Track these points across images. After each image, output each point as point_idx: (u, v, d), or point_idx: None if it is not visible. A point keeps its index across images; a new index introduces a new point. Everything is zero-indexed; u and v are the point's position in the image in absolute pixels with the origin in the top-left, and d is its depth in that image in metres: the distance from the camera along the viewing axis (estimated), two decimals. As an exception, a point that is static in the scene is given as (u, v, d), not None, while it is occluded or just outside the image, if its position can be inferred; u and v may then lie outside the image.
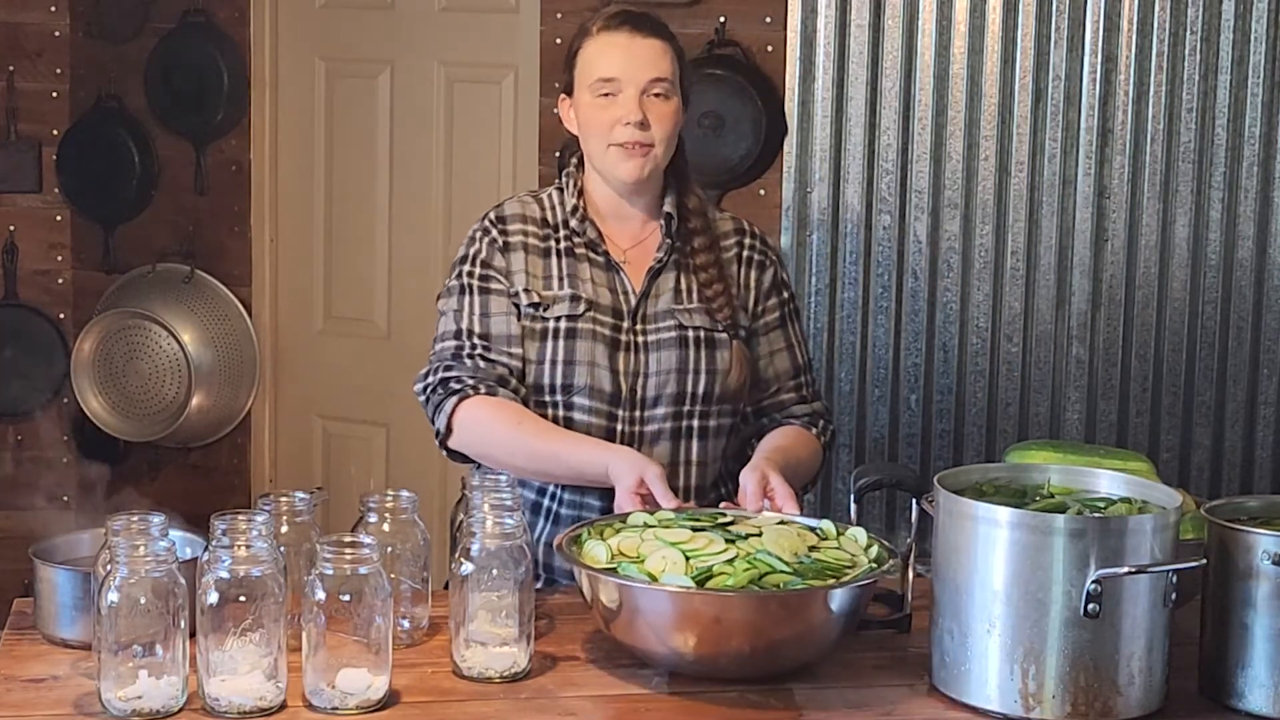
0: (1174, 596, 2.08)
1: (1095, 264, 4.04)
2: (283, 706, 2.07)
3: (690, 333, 2.69)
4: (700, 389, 2.69)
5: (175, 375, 4.50)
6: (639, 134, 2.62)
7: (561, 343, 2.65)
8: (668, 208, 2.72)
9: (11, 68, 4.58)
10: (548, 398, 2.67)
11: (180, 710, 2.05)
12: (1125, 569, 2.03)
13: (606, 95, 2.63)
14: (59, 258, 4.69)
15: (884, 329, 4.10)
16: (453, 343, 2.68)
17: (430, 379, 2.67)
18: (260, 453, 4.70)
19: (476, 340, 2.67)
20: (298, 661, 2.10)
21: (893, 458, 4.14)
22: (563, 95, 2.73)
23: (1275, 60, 3.97)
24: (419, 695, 2.14)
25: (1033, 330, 4.08)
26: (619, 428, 2.67)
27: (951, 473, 2.26)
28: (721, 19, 4.08)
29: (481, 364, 2.65)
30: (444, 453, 2.70)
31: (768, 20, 4.06)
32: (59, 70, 4.61)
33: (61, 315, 4.69)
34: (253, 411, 4.65)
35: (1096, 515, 2.14)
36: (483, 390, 2.63)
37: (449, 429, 2.64)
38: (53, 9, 4.59)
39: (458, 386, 2.63)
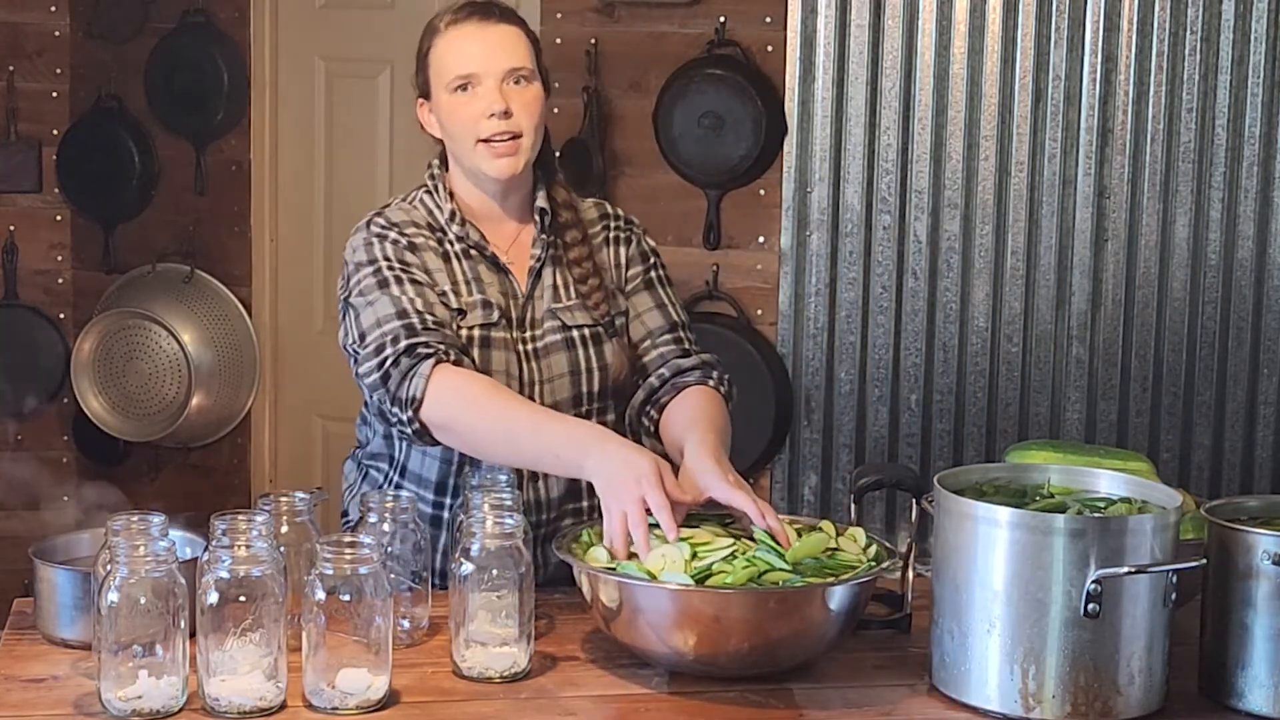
0: (1174, 596, 2.08)
1: (1095, 264, 4.05)
2: (283, 706, 2.07)
3: (575, 333, 2.60)
4: (595, 387, 2.61)
5: (175, 375, 4.51)
6: (504, 125, 2.52)
7: (478, 352, 2.54)
8: (541, 203, 2.63)
9: (11, 68, 4.58)
10: None
11: (180, 710, 2.05)
12: (1125, 569, 2.03)
13: (465, 90, 2.55)
14: (59, 258, 4.69)
15: (884, 329, 4.11)
16: (398, 322, 2.47)
17: (388, 352, 2.45)
18: (260, 453, 4.70)
19: (427, 317, 2.48)
20: (298, 661, 2.10)
21: (893, 458, 4.14)
22: (420, 99, 2.64)
23: (1275, 60, 3.97)
24: (419, 695, 2.14)
25: (1033, 330, 4.08)
26: None
27: (951, 473, 2.26)
28: (721, 19, 4.08)
29: (444, 334, 2.48)
30: (410, 430, 2.46)
31: (768, 20, 4.06)
32: (59, 70, 4.61)
33: (61, 315, 4.70)
34: (253, 411, 4.66)
35: (1096, 515, 2.14)
36: (452, 357, 2.45)
37: (423, 397, 2.42)
38: (53, 9, 4.59)
39: (428, 351, 2.44)
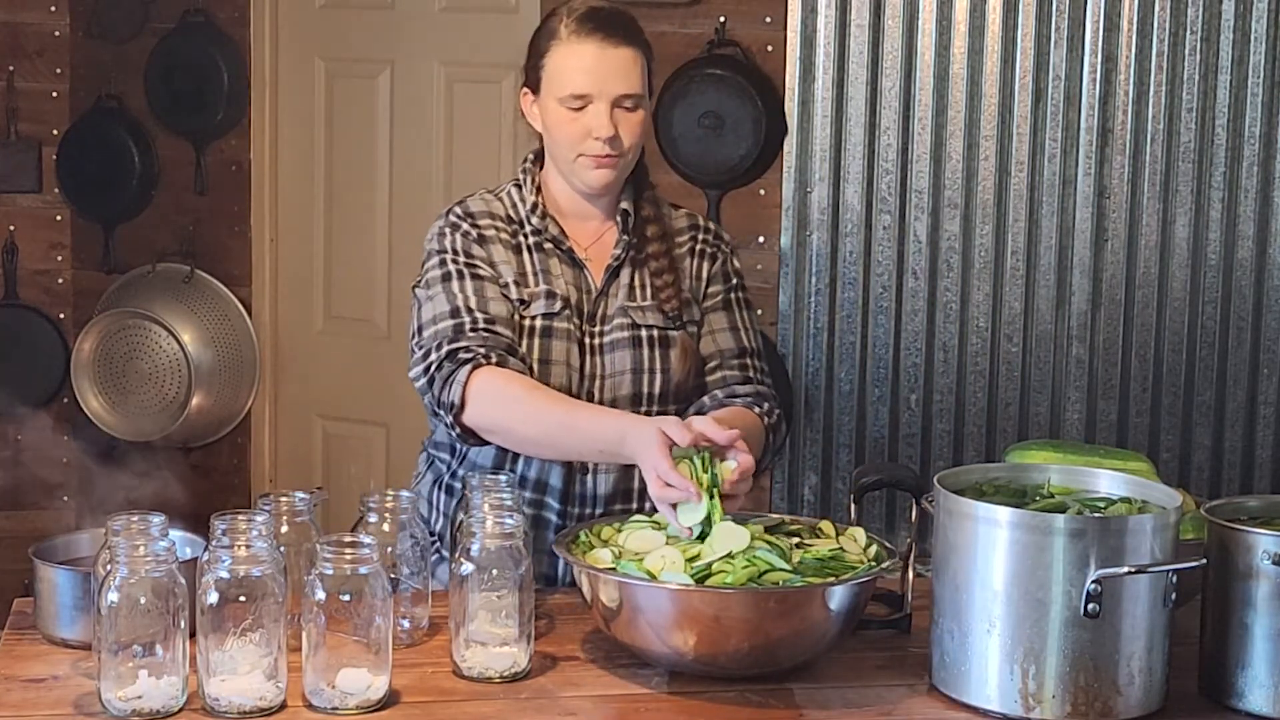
0: (1174, 596, 2.08)
1: (1095, 264, 4.05)
2: (283, 706, 2.07)
3: (644, 332, 2.64)
4: (656, 389, 2.63)
5: (175, 375, 4.51)
6: (609, 149, 2.57)
7: (538, 341, 2.59)
8: (624, 204, 2.67)
9: (11, 68, 4.58)
10: None
11: (180, 710, 2.05)
12: (1125, 569, 2.03)
13: (577, 107, 2.57)
14: (59, 258, 4.69)
15: (884, 329, 4.11)
16: (450, 321, 2.55)
17: (433, 356, 2.53)
18: (260, 453, 4.70)
19: (478, 315, 2.55)
20: (298, 661, 2.10)
21: (893, 458, 4.14)
22: (526, 89, 2.66)
23: (1275, 60, 3.97)
24: (419, 695, 2.14)
25: (1033, 330, 4.08)
26: None
27: (951, 473, 2.26)
28: (721, 19, 4.08)
29: (487, 336, 2.54)
30: (456, 432, 2.54)
31: (768, 20, 4.06)
32: (59, 70, 4.61)
33: (61, 315, 4.69)
34: (253, 411, 4.66)
35: (1096, 515, 2.14)
36: (494, 360, 2.50)
37: (463, 402, 2.49)
38: (53, 9, 4.59)
39: (468, 356, 2.51)
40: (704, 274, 2.73)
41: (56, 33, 4.60)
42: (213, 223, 4.59)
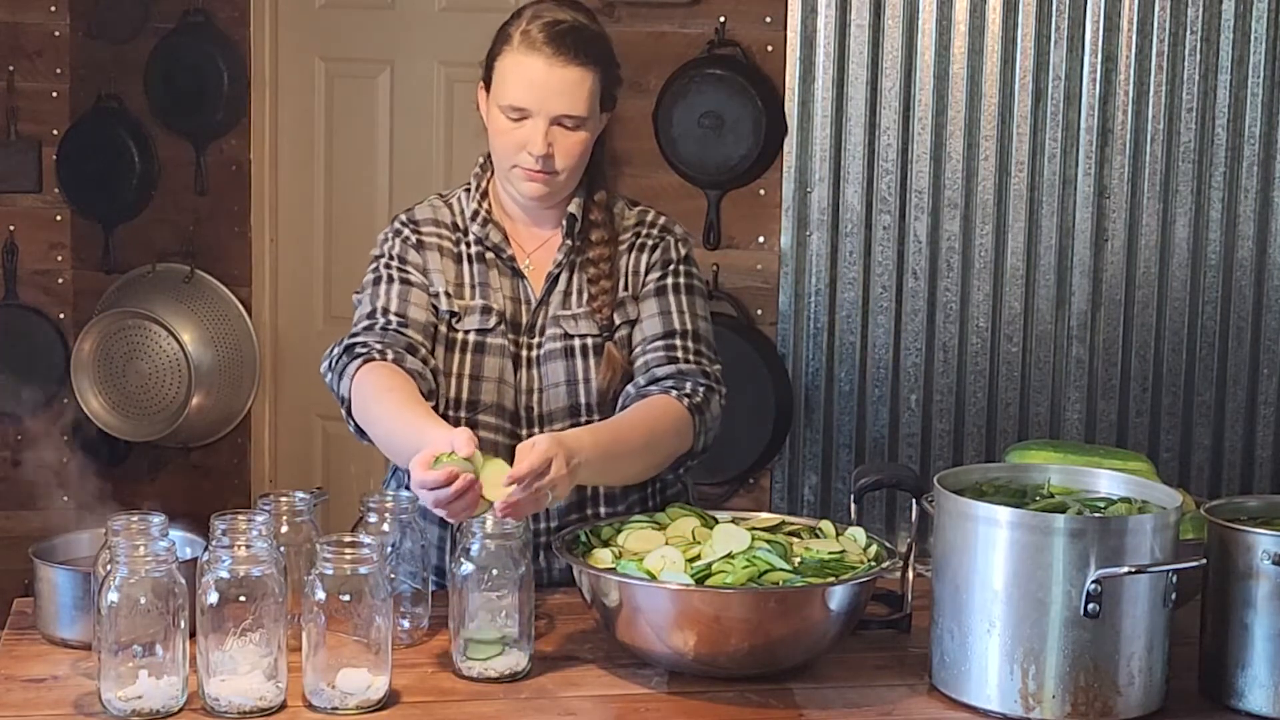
0: (1174, 596, 2.08)
1: (1095, 264, 4.05)
2: (283, 706, 2.07)
3: (576, 342, 2.57)
4: (593, 399, 2.57)
5: (175, 375, 4.51)
6: (541, 166, 2.51)
7: (470, 356, 2.55)
8: (572, 208, 2.59)
9: (11, 68, 4.58)
10: (452, 413, 2.52)
11: (180, 710, 2.05)
12: (1125, 569, 2.03)
13: (515, 119, 2.51)
14: (59, 258, 4.69)
15: (884, 329, 4.11)
16: (365, 322, 2.54)
17: (334, 350, 2.51)
18: (260, 453, 4.70)
19: (392, 316, 2.52)
20: (298, 661, 2.10)
21: (893, 458, 4.14)
22: (482, 85, 2.61)
23: (1275, 60, 3.97)
24: (419, 695, 2.14)
25: (1033, 330, 4.08)
26: None
27: (951, 473, 2.26)
28: (721, 19, 4.08)
29: (391, 334, 2.50)
30: (353, 430, 2.50)
31: (768, 20, 4.06)
32: (59, 70, 4.61)
33: (61, 315, 4.69)
34: (253, 411, 4.66)
35: (1096, 515, 2.14)
36: (389, 357, 2.46)
37: (350, 396, 2.45)
38: (53, 9, 4.59)
39: (362, 351, 2.47)
40: (641, 266, 2.62)
41: (56, 33, 4.60)
42: (213, 223, 4.59)
